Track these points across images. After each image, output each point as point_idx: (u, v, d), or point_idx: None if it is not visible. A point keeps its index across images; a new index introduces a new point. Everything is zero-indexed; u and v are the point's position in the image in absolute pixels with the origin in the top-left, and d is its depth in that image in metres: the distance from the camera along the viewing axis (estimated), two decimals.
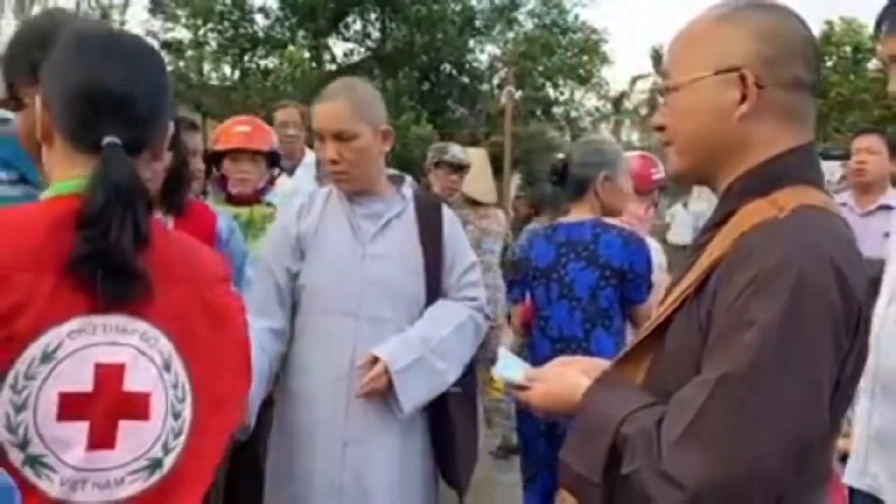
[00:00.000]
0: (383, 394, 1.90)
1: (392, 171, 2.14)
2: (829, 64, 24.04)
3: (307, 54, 20.59)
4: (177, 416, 1.07)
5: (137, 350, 1.04)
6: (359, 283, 1.94)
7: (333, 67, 21.32)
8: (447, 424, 2.02)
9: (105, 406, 1.01)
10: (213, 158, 2.86)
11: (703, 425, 0.93)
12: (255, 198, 2.85)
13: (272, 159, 2.93)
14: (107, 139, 1.04)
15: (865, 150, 3.63)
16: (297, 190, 3.14)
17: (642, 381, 1.11)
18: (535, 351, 2.51)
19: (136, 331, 1.04)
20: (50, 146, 1.10)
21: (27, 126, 1.53)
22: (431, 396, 1.96)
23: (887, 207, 3.48)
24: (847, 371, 0.99)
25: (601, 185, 2.46)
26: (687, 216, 9.09)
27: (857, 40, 20.96)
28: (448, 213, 2.12)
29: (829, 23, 24.84)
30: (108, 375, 1.01)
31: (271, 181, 2.99)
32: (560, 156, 2.65)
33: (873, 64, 22.51)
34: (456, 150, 4.04)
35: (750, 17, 1.07)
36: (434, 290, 2.02)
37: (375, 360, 1.89)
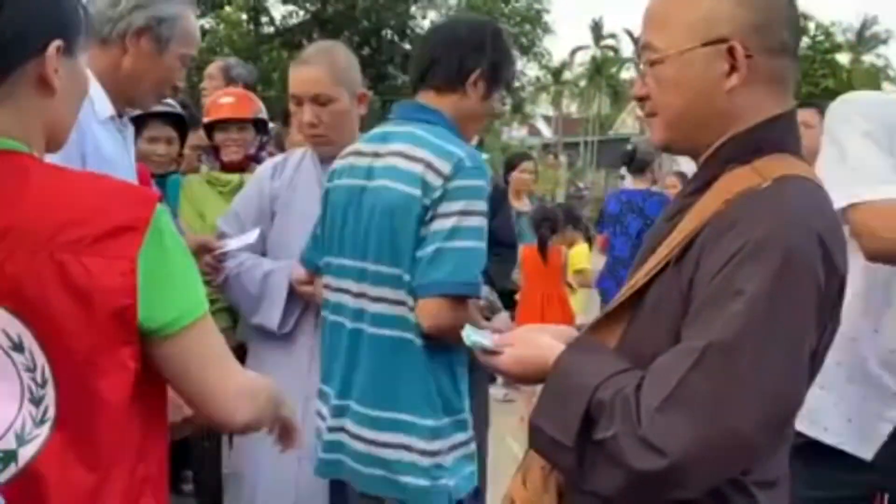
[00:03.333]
0: None
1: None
2: None
3: (244, 16, 19.96)
4: (37, 402, 0.95)
5: None
6: None
7: (272, 30, 20.74)
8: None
9: None
10: (206, 129, 3.04)
11: (686, 393, 0.93)
12: (245, 164, 2.96)
13: (259, 125, 3.11)
14: None
15: (802, 124, 3.73)
16: None
17: (616, 346, 1.11)
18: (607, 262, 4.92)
19: None
20: None
21: None
22: None
23: None
24: (823, 342, 1.02)
25: (655, 168, 4.56)
26: None
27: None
28: None
29: None
30: None
31: (261, 147, 3.15)
32: (629, 146, 4.83)
33: (803, 41, 23.12)
34: None
35: None
36: None
37: None
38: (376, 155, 1.72)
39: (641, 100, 1.14)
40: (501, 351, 1.18)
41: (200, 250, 1.97)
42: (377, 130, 1.81)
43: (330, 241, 1.79)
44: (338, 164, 1.82)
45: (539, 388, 1.11)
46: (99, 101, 1.61)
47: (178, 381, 1.05)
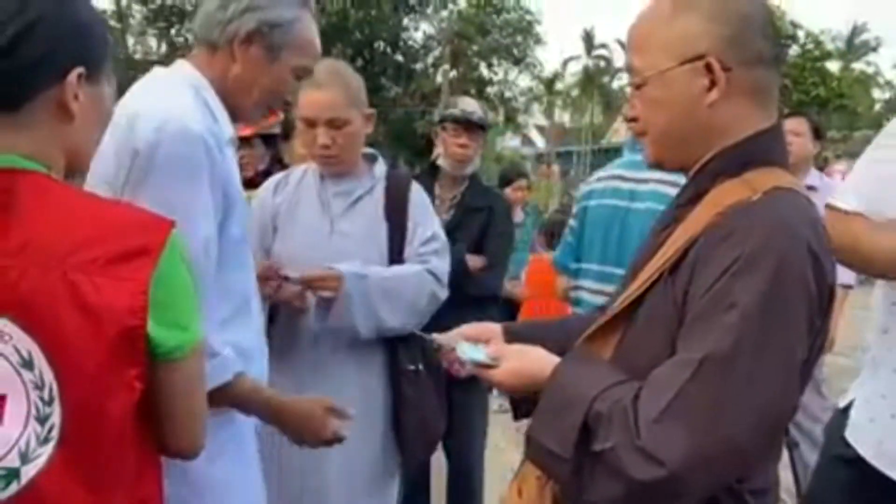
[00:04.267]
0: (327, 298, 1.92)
1: (367, 150, 2.17)
2: None
3: None
4: (42, 420, 0.96)
5: None
6: (325, 259, 1.97)
7: None
8: (400, 400, 2.06)
9: None
10: None
11: (684, 404, 0.95)
12: (257, 180, 2.87)
13: (268, 139, 3.09)
14: None
15: (791, 132, 3.77)
16: None
17: (611, 357, 1.12)
18: None
19: None
20: None
21: None
22: (363, 327, 1.95)
23: (810, 188, 3.64)
24: (815, 350, 1.04)
25: None
26: None
27: (778, 26, 21.68)
28: (416, 188, 2.16)
29: None
30: None
31: (273, 160, 3.14)
32: None
33: (793, 50, 23.29)
34: (466, 103, 2.99)
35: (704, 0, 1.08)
36: (397, 263, 2.06)
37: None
38: (637, 181, 2.14)
39: (632, 121, 1.17)
40: (496, 364, 1.20)
41: (266, 274, 1.91)
42: (631, 158, 2.25)
43: (590, 250, 2.24)
44: (596, 185, 2.31)
45: None
46: (224, 120, 1.46)
47: (167, 405, 1.06)
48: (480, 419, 2.92)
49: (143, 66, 19.24)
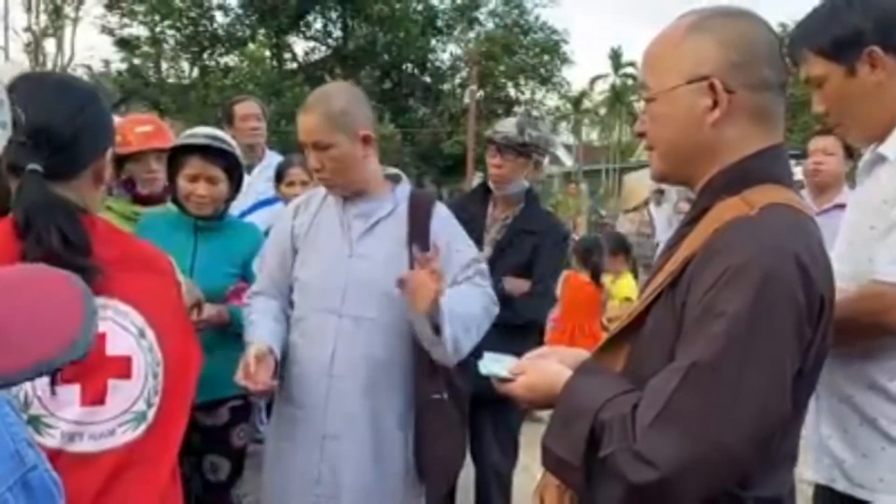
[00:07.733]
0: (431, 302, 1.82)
1: (391, 170, 2.16)
2: None
3: (267, 52, 20.45)
4: (155, 376, 1.32)
5: (113, 322, 1.30)
6: (344, 282, 1.99)
7: (294, 66, 21.18)
8: (423, 429, 2.02)
9: (93, 369, 1.25)
10: (116, 161, 2.65)
11: (673, 410, 1.01)
12: (164, 196, 2.69)
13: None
14: (29, 166, 1.26)
15: (822, 151, 3.75)
16: (247, 189, 3.00)
17: (622, 369, 1.17)
18: None
19: (108, 307, 1.29)
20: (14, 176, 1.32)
21: None
22: (456, 346, 1.91)
23: (842, 206, 3.59)
24: (810, 360, 1.07)
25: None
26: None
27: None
28: (439, 211, 2.10)
29: (783, 26, 25.44)
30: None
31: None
32: None
33: None
34: (501, 124, 2.92)
35: (717, 26, 1.14)
36: None
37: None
38: None
39: (641, 135, 1.23)
40: (514, 379, 1.25)
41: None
42: None
43: None
44: None
45: None
46: None
47: None
48: (510, 439, 2.90)
49: (175, 90, 19.69)
